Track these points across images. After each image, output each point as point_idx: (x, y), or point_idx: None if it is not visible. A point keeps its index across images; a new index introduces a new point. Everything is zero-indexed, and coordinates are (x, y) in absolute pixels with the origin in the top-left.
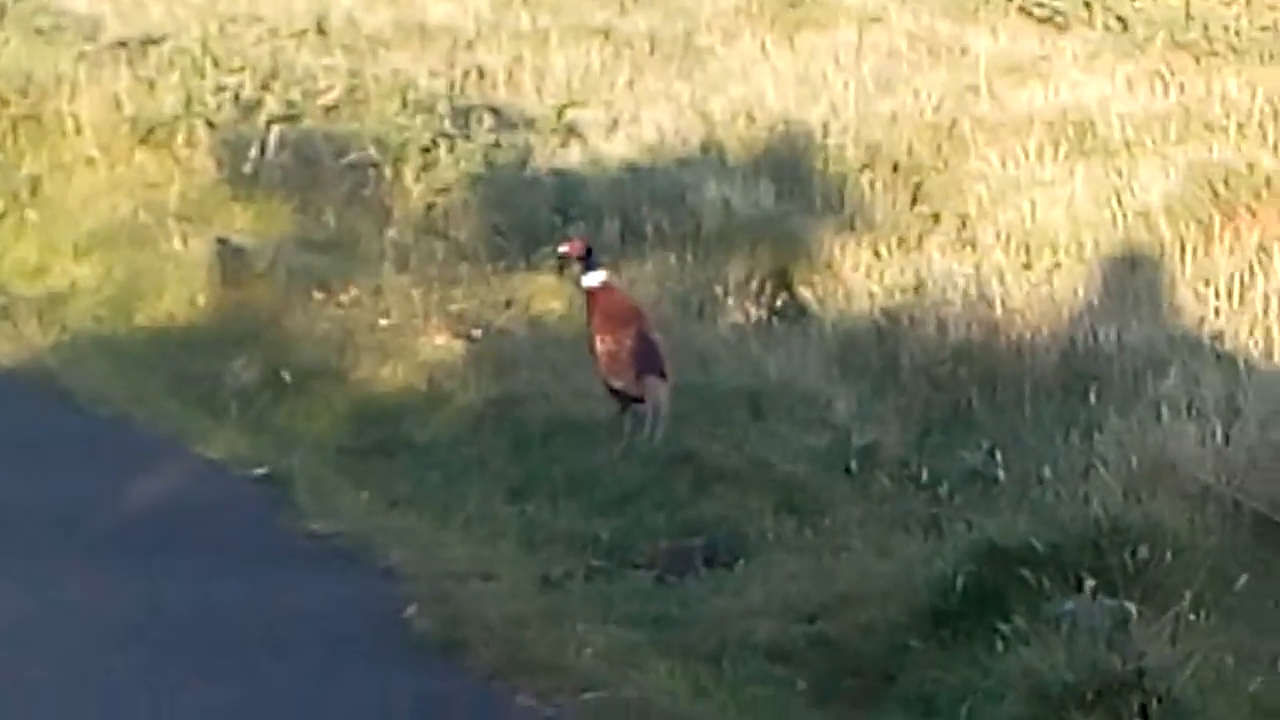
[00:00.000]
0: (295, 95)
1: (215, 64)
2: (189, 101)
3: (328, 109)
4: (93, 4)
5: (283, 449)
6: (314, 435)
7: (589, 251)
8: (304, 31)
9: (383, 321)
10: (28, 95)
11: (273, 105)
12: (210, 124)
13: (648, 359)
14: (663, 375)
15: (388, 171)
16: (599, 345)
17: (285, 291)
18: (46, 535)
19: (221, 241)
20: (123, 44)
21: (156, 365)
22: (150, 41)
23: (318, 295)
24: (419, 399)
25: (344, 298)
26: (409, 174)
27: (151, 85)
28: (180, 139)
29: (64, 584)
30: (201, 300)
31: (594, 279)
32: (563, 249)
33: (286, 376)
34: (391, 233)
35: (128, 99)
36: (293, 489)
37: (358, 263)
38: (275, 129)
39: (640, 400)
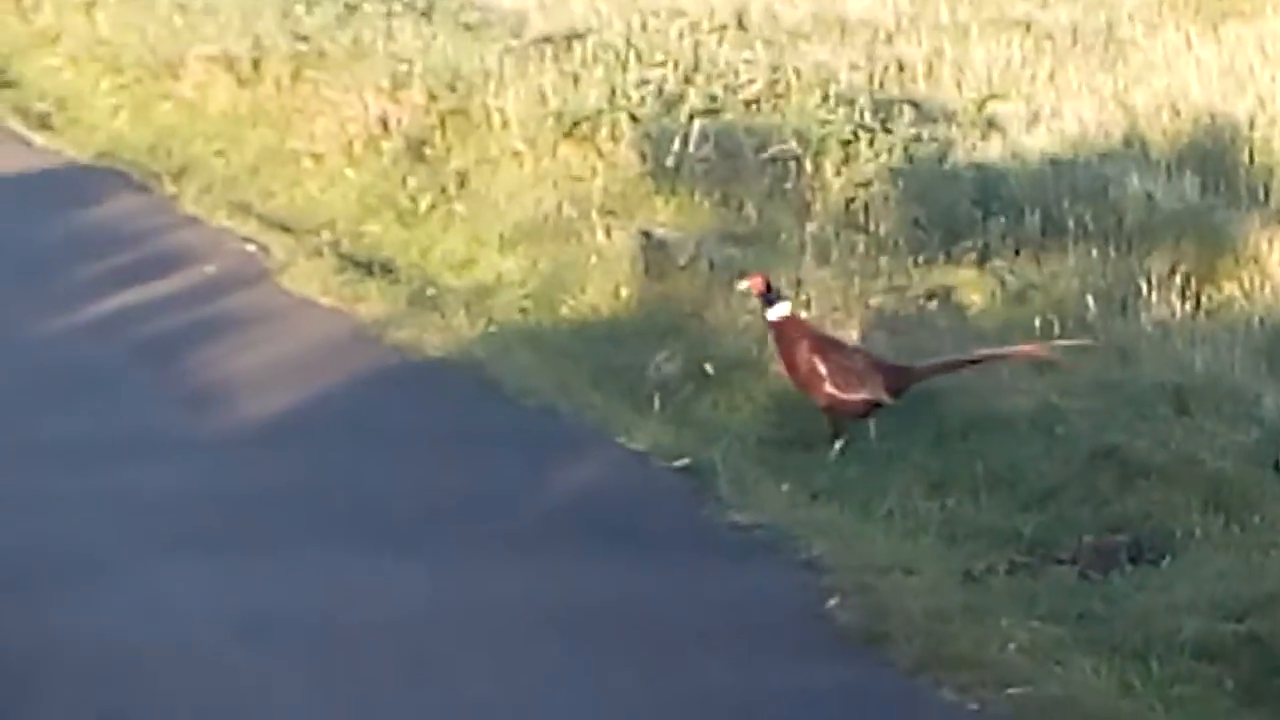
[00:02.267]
0: (717, 89)
1: (638, 58)
2: (612, 95)
3: (749, 103)
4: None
5: (704, 440)
6: (735, 427)
7: (768, 286)
8: (724, 26)
9: (803, 314)
10: (455, 90)
11: (695, 99)
12: (633, 118)
13: (884, 364)
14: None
15: (808, 165)
16: (823, 365)
17: (707, 284)
18: (474, 523)
19: (645, 234)
20: (547, 39)
21: (581, 357)
22: (574, 36)
23: (739, 288)
24: None
25: None
26: (829, 167)
27: (576, 79)
28: (604, 133)
29: (490, 572)
30: (625, 293)
31: (780, 310)
32: (743, 285)
33: (709, 369)
34: (812, 226)
35: (552, 93)
36: (714, 480)
37: (778, 256)
38: (697, 122)
39: (879, 406)
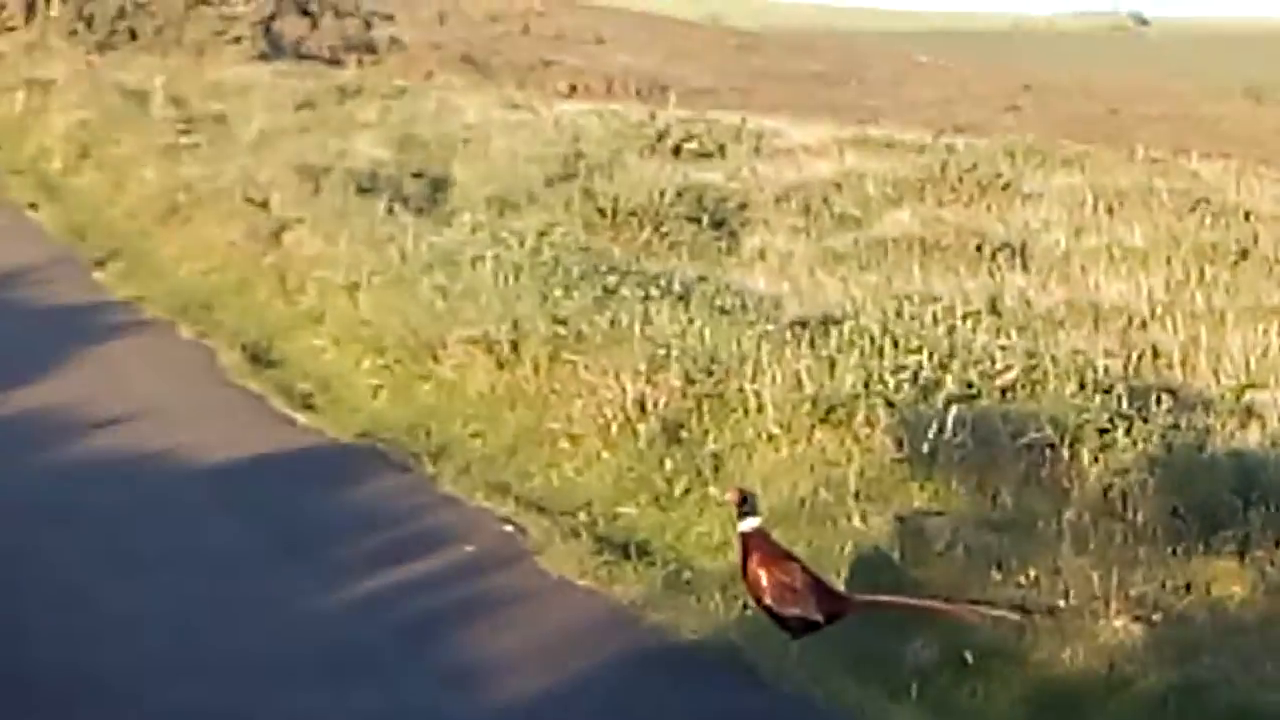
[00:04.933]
0: (972, 375)
1: (894, 344)
2: (868, 381)
3: (1004, 390)
4: (772, 284)
5: None
6: (992, 716)
7: (744, 500)
8: (978, 311)
9: (1061, 603)
10: (711, 374)
11: (950, 385)
12: (889, 403)
13: (827, 588)
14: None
15: (1064, 452)
16: (765, 578)
17: (963, 571)
18: None
19: (900, 520)
20: (802, 323)
21: (837, 642)
22: (830, 321)
23: (995, 575)
24: (1098, 682)
25: (1021, 578)
26: (1086, 455)
27: (831, 365)
28: (859, 418)
29: None
30: (882, 580)
31: (750, 524)
32: (727, 496)
33: (967, 656)
34: (1069, 514)
35: (808, 378)
36: None
37: (1034, 543)
38: (953, 408)
39: (817, 626)
